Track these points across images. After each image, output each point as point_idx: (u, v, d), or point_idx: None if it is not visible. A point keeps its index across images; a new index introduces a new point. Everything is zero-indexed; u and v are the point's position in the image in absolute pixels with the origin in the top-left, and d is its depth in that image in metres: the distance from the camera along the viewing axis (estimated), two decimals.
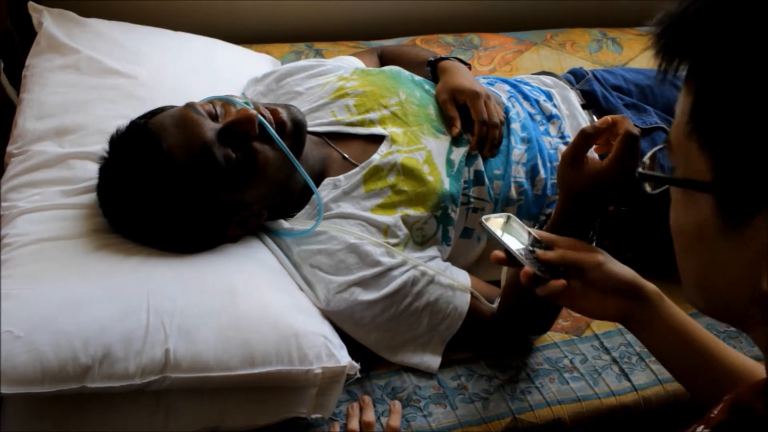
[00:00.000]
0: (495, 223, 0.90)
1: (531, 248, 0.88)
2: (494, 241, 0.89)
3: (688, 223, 0.54)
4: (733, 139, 0.49)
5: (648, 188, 0.61)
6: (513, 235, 0.89)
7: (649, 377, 1.17)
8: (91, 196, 1.12)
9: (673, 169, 0.55)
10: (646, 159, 0.62)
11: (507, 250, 0.88)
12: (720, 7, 0.49)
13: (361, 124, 1.26)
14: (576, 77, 1.48)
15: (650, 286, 0.87)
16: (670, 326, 0.85)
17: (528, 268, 0.84)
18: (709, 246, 0.53)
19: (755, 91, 0.47)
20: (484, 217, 0.90)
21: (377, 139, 1.24)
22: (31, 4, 1.40)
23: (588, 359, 1.20)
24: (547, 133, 1.34)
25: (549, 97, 1.40)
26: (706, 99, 0.50)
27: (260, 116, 1.09)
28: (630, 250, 1.33)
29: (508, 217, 0.92)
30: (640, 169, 0.59)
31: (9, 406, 0.97)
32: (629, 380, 1.17)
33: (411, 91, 1.31)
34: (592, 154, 0.97)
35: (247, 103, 1.12)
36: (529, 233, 0.90)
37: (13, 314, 0.92)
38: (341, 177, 1.20)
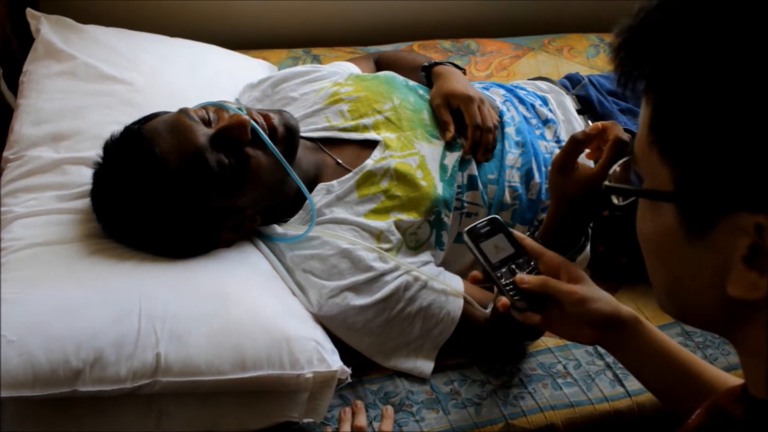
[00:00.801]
0: (476, 233, 0.89)
1: (513, 266, 0.88)
2: (474, 259, 0.90)
3: (655, 232, 0.55)
4: (690, 149, 0.49)
5: (615, 200, 0.62)
6: (498, 245, 0.89)
7: None
8: (86, 201, 1.13)
9: (641, 179, 0.56)
10: (611, 171, 0.63)
11: (486, 271, 0.89)
12: (674, 21, 0.49)
13: (354, 129, 1.26)
14: (572, 82, 1.48)
15: (627, 312, 0.88)
16: (647, 347, 0.87)
17: (504, 300, 0.87)
18: (675, 253, 0.54)
19: (710, 102, 0.48)
20: (466, 229, 0.90)
21: (371, 145, 1.25)
22: (29, 11, 1.41)
23: (582, 365, 1.20)
24: (542, 137, 1.34)
25: (545, 102, 1.40)
26: (663, 111, 0.51)
27: (252, 121, 1.10)
28: (625, 255, 1.33)
29: (493, 223, 0.91)
30: (606, 182, 0.61)
31: (3, 411, 0.97)
32: (623, 386, 1.16)
33: (405, 96, 1.31)
34: (584, 159, 0.97)
35: (240, 109, 1.13)
36: (515, 243, 0.90)
37: (6, 318, 0.93)
38: (334, 182, 1.21)
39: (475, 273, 0.92)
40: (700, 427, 0.57)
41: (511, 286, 0.87)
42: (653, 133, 0.52)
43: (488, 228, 0.90)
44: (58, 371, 0.91)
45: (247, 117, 1.09)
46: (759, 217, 0.47)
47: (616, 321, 0.87)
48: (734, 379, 0.82)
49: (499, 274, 0.88)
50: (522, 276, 0.87)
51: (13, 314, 0.94)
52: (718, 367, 1.18)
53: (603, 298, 0.87)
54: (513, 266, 0.88)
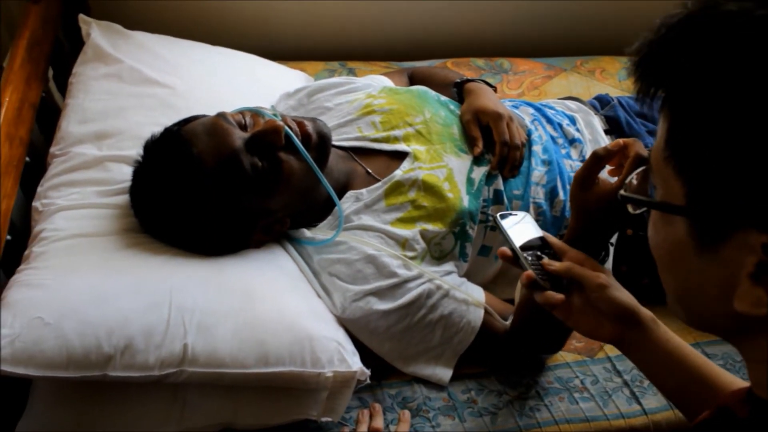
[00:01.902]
0: (509, 220, 0.91)
1: (539, 253, 0.89)
2: (503, 238, 0.91)
3: (665, 242, 0.57)
4: (705, 166, 0.51)
5: (630, 209, 0.64)
6: (525, 234, 0.91)
7: (660, 402, 1.17)
8: (125, 197, 1.18)
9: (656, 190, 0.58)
10: (627, 181, 0.64)
11: (513, 250, 0.89)
12: (691, 38, 0.51)
13: (385, 140, 1.30)
14: (601, 103, 1.50)
15: (645, 311, 0.89)
16: (662, 348, 0.87)
17: (529, 272, 0.86)
18: (684, 264, 0.55)
19: (725, 121, 0.49)
20: (499, 213, 0.93)
21: (401, 156, 1.27)
22: (81, 17, 1.47)
23: (599, 381, 1.20)
24: (568, 156, 1.36)
25: (572, 121, 1.42)
26: (679, 126, 0.52)
27: (287, 127, 1.13)
28: (647, 276, 1.33)
29: (524, 217, 0.93)
30: (621, 192, 0.62)
31: (36, 390, 1.02)
32: (640, 404, 1.17)
33: (436, 110, 1.34)
34: (605, 175, 0.99)
35: (275, 115, 1.17)
36: (542, 237, 0.91)
37: (44, 302, 0.98)
38: (364, 191, 1.24)
39: (504, 249, 0.92)
40: (704, 422, 0.58)
41: (536, 267, 0.88)
42: (669, 148, 0.53)
43: (518, 216, 0.93)
44: (91, 355, 0.95)
45: (281, 123, 1.13)
46: (767, 237, 0.48)
47: (634, 316, 0.87)
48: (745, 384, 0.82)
49: (526, 255, 0.89)
50: (549, 260, 0.88)
51: (50, 299, 0.99)
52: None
53: (624, 290, 0.88)
54: (539, 253, 0.89)
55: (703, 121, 0.50)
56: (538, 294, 0.87)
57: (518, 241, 0.90)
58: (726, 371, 0.87)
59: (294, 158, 1.14)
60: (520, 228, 0.92)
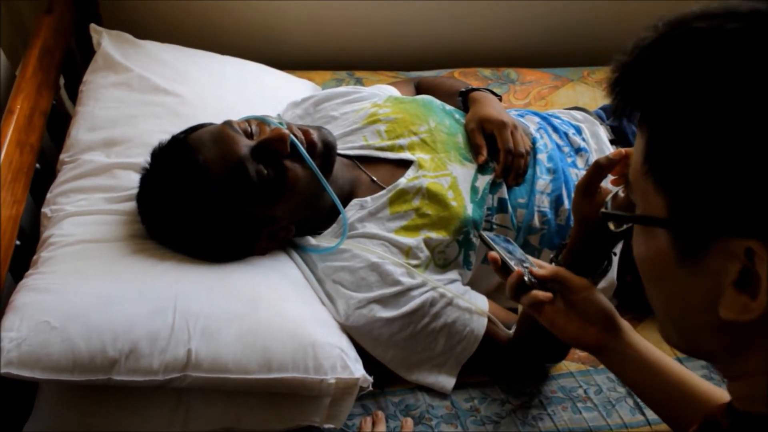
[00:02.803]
0: (492, 236, 0.96)
1: (525, 265, 0.92)
2: (488, 250, 0.94)
3: (648, 256, 0.58)
4: (683, 178, 0.52)
5: (612, 226, 0.64)
6: (510, 251, 0.94)
7: None
8: (132, 204, 1.19)
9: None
10: (609, 199, 0.65)
11: (501, 257, 0.92)
12: (664, 57, 0.52)
13: (390, 149, 1.31)
14: (607, 113, 1.50)
15: (622, 320, 0.91)
16: (641, 356, 0.89)
17: (519, 269, 0.89)
18: (668, 277, 0.56)
19: (700, 135, 0.50)
20: (483, 232, 0.95)
21: (405, 164, 1.28)
22: (92, 26, 1.50)
23: (603, 390, 1.20)
24: (574, 165, 1.36)
25: (578, 131, 1.43)
26: (657, 142, 0.54)
27: (292, 136, 1.15)
28: None
29: (506, 238, 0.97)
30: (602, 209, 0.63)
31: (43, 393, 1.03)
32: (643, 414, 1.16)
33: (441, 119, 1.35)
34: (607, 185, 0.99)
35: (281, 123, 1.18)
36: (525, 258, 0.94)
37: (51, 306, 0.99)
38: (368, 199, 1.25)
39: (494, 254, 0.94)
40: None
41: (525, 270, 0.91)
42: (648, 162, 0.55)
43: (504, 237, 0.98)
44: (96, 359, 0.96)
45: (287, 131, 1.14)
46: (749, 242, 0.49)
47: (614, 320, 0.90)
48: (723, 392, 0.83)
49: (513, 262, 0.92)
50: (537, 262, 0.91)
51: (57, 303, 1.00)
52: None
53: (605, 298, 0.92)
54: (525, 265, 0.93)
55: (681, 135, 0.51)
56: (525, 296, 0.89)
57: (504, 252, 0.93)
58: (704, 380, 0.88)
59: (299, 166, 1.15)
60: (506, 247, 0.96)
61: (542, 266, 0.94)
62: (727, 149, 0.49)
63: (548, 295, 0.88)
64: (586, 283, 0.90)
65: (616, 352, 0.90)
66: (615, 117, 0.56)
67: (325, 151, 1.18)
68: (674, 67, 0.52)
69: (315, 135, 1.18)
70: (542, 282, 0.90)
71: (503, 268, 0.93)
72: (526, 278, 0.89)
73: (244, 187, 1.11)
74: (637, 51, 0.54)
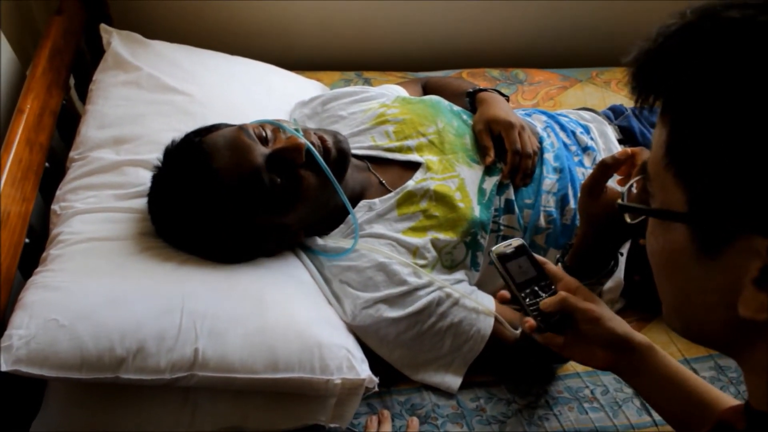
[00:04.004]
0: (505, 255, 0.95)
1: (536, 288, 0.93)
2: (502, 279, 0.94)
3: (665, 250, 0.56)
4: (707, 172, 0.50)
5: (628, 219, 0.63)
6: (522, 266, 0.94)
7: None
8: (141, 201, 1.20)
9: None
10: (625, 190, 0.64)
11: (513, 294, 0.94)
12: (692, 46, 0.51)
13: (399, 150, 1.30)
14: (615, 113, 1.50)
15: (641, 338, 0.91)
16: (660, 373, 0.88)
17: (531, 321, 0.91)
18: (684, 272, 0.55)
19: (726, 127, 0.49)
20: (494, 248, 0.95)
21: (413, 166, 1.28)
22: (102, 26, 1.51)
23: (609, 391, 1.20)
24: (581, 164, 1.36)
25: (586, 130, 1.42)
26: (680, 133, 0.52)
27: (309, 143, 1.13)
28: None
29: (519, 245, 0.95)
30: (619, 201, 0.62)
31: (50, 391, 1.04)
32: (650, 415, 1.16)
33: (449, 120, 1.35)
34: (613, 184, 0.99)
35: (297, 130, 1.17)
36: (537, 266, 0.94)
37: (60, 304, 1.00)
38: (377, 200, 1.24)
39: (503, 293, 0.96)
40: None
41: (534, 307, 0.92)
42: (669, 155, 0.53)
43: (514, 250, 0.95)
44: (104, 358, 0.96)
45: (303, 140, 1.13)
46: None
47: (628, 344, 0.89)
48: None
49: (523, 295, 0.93)
50: (545, 300, 0.91)
51: (66, 301, 1.01)
52: None
53: (616, 320, 0.90)
54: (536, 288, 0.93)
55: (705, 127, 0.50)
56: (539, 336, 0.92)
57: (516, 276, 0.94)
58: (726, 394, 0.87)
59: (313, 174, 1.14)
60: (516, 262, 0.95)
61: (555, 276, 0.94)
62: (751, 144, 0.48)
63: (559, 341, 0.91)
64: (593, 314, 0.89)
65: (631, 370, 0.90)
66: (635, 105, 0.54)
67: (339, 158, 1.18)
68: (701, 56, 0.50)
69: (330, 141, 1.18)
70: (553, 317, 0.91)
71: (513, 300, 0.95)
72: (539, 324, 0.91)
73: (257, 197, 1.11)
74: (662, 38, 0.52)
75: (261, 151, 1.11)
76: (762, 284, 0.49)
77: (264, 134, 1.15)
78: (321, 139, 1.17)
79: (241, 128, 1.14)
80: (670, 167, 0.53)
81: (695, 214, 0.52)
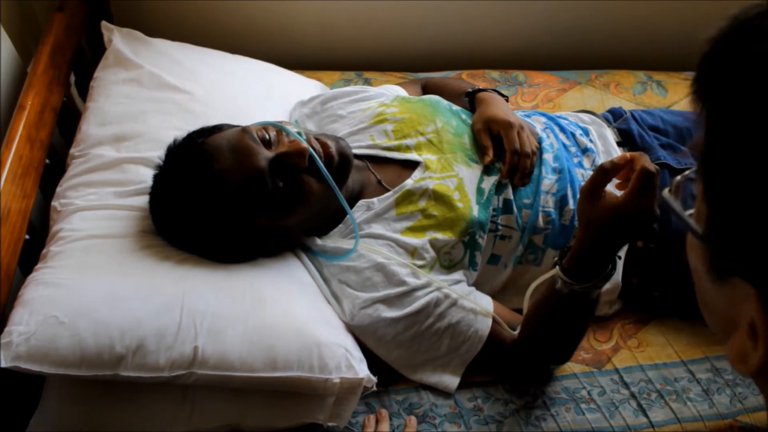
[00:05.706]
0: None
1: None
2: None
3: (691, 259, 0.53)
4: (727, 197, 0.46)
5: (656, 210, 0.59)
6: None
7: (667, 415, 1.17)
8: (141, 199, 1.20)
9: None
10: (677, 180, 0.58)
11: None
12: (731, 56, 0.46)
13: (397, 149, 1.31)
14: (614, 116, 1.50)
15: None
16: None
17: None
18: (701, 281, 0.52)
19: (752, 150, 0.43)
20: None
21: (412, 165, 1.28)
22: (103, 23, 1.50)
23: (606, 392, 1.20)
24: (580, 165, 1.36)
25: (585, 132, 1.43)
26: (711, 148, 0.48)
27: (311, 149, 1.14)
28: (657, 289, 1.33)
29: None
30: (665, 193, 0.55)
31: (49, 388, 1.04)
32: (646, 416, 1.17)
33: (448, 120, 1.35)
34: (612, 188, 1.00)
35: (299, 133, 1.17)
36: None
37: (60, 301, 1.00)
38: (375, 200, 1.25)
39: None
40: None
41: None
42: (703, 167, 0.49)
43: None
44: (103, 355, 0.97)
45: (306, 145, 1.13)
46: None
47: None
48: None
49: None
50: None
51: (65, 298, 1.01)
52: (748, 405, 1.18)
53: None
54: None
55: (733, 146, 0.45)
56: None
57: None
58: None
59: (314, 179, 1.15)
60: None
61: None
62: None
63: None
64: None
65: None
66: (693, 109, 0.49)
67: (342, 163, 1.18)
68: (734, 68, 0.45)
69: (333, 148, 1.18)
70: None
71: None
72: None
73: (259, 200, 1.11)
74: (708, 44, 0.47)
75: (264, 154, 1.11)
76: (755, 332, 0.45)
77: (267, 137, 1.14)
78: (323, 145, 1.17)
79: (244, 130, 1.14)
80: (701, 179, 0.49)
81: (709, 234, 0.48)
